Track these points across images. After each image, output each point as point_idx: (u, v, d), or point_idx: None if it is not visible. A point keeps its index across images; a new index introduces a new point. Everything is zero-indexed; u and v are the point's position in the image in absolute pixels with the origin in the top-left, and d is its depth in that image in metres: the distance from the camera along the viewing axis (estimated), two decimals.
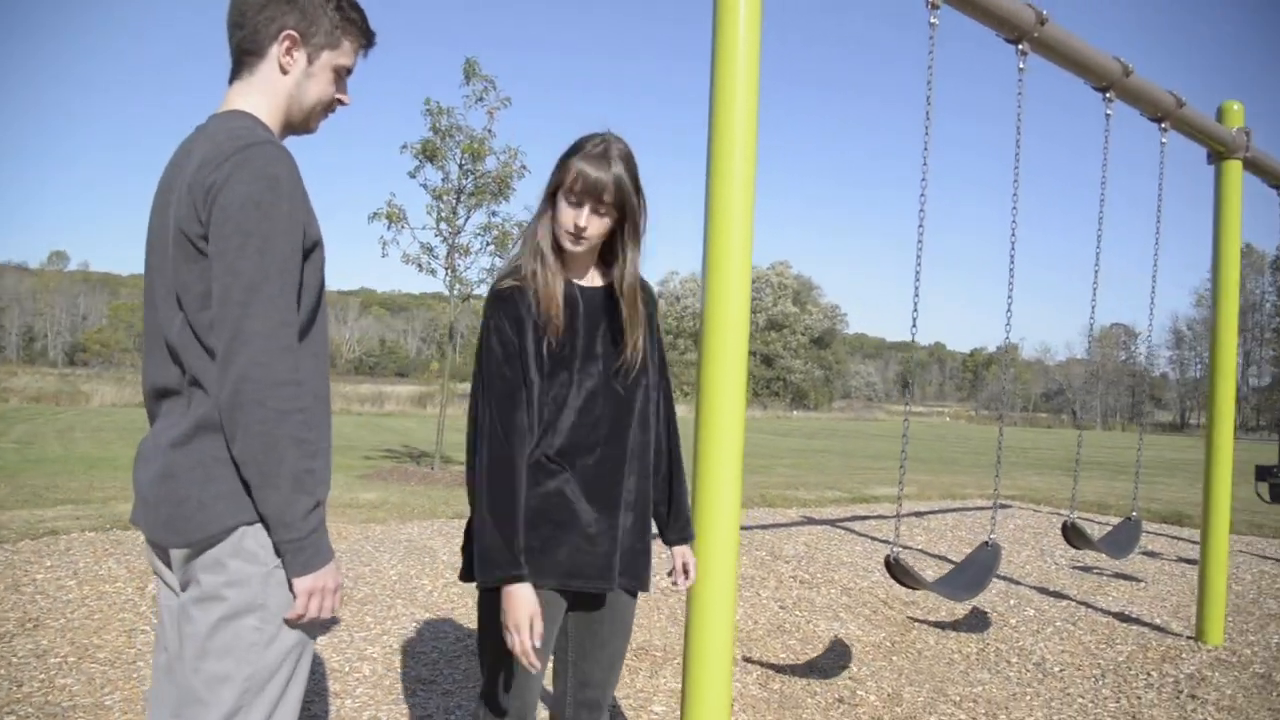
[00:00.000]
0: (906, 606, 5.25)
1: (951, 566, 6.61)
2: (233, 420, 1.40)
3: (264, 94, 1.58)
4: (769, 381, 69.52)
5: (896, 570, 3.32)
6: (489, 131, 9.96)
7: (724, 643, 2.44)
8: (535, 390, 1.85)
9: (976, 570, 3.67)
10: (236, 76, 1.59)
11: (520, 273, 1.89)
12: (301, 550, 1.44)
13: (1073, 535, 4.41)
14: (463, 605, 4.68)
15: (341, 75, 1.65)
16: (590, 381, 1.89)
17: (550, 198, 1.88)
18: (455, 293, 10.48)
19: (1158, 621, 5.17)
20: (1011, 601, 5.49)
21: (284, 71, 1.58)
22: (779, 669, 4.04)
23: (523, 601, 1.75)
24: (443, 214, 10.20)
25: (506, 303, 1.86)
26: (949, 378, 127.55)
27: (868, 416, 70.28)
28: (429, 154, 9.90)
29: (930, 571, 6.42)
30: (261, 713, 1.45)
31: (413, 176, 10.08)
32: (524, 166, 10.01)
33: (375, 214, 10.05)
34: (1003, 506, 10.70)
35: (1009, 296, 3.60)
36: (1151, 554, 7.52)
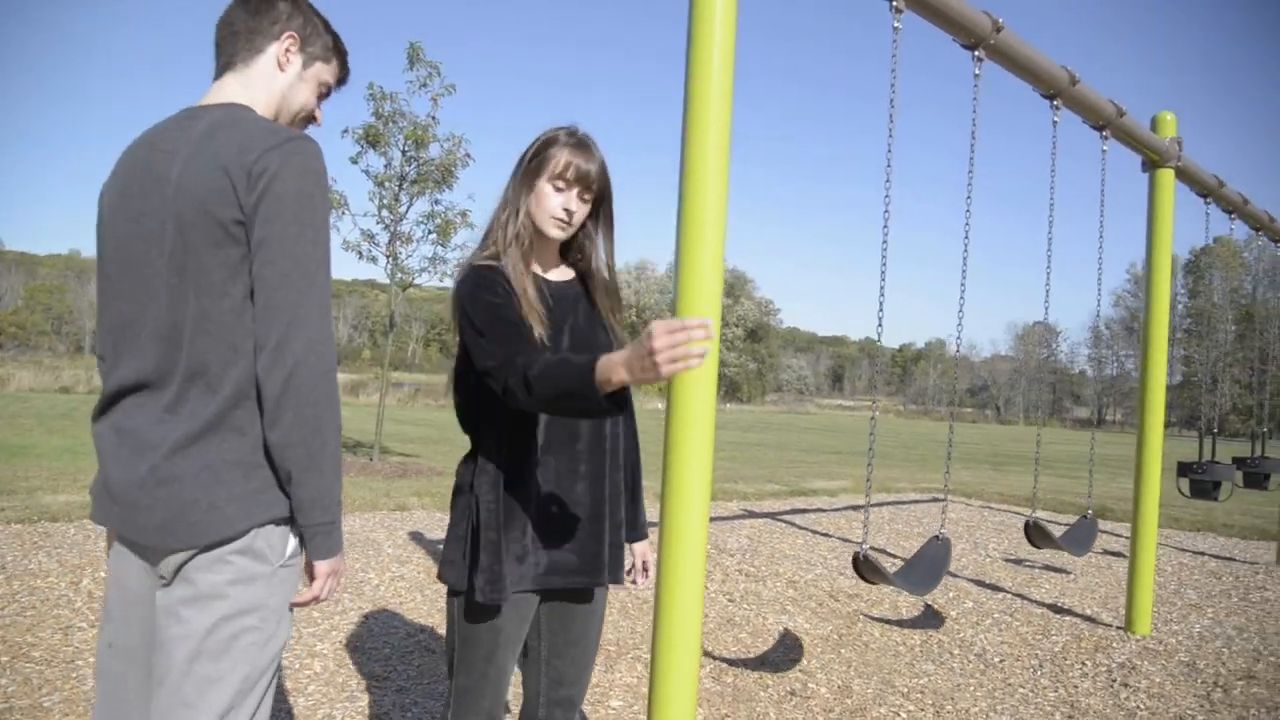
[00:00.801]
0: (851, 600, 5.35)
1: (893, 560, 6.77)
2: (281, 405, 1.40)
3: (259, 89, 1.60)
4: None
5: (865, 568, 3.38)
6: (433, 118, 9.82)
7: (692, 638, 2.45)
8: None
9: (930, 564, 3.75)
10: (230, 68, 1.60)
11: (493, 260, 1.87)
12: (330, 533, 1.48)
13: (1035, 534, 4.55)
14: (410, 600, 4.62)
15: (324, 93, 1.71)
16: None
17: (527, 187, 1.87)
18: (396, 281, 10.31)
19: (1088, 612, 5.36)
20: (950, 594, 5.63)
21: (280, 69, 1.62)
22: (731, 662, 4.08)
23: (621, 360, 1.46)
24: (385, 201, 10.02)
25: (493, 273, 1.83)
26: (878, 372, 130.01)
27: (799, 410, 71.34)
28: (371, 139, 9.70)
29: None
30: (248, 713, 1.42)
31: (354, 162, 9.87)
32: (468, 155, 9.88)
33: None
34: (935, 500, 10.97)
35: (961, 299, 3.68)
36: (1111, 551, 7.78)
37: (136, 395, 1.48)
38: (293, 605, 1.51)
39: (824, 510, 9.46)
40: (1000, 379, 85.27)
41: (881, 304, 3.03)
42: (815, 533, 7.86)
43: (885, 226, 2.89)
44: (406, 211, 10.18)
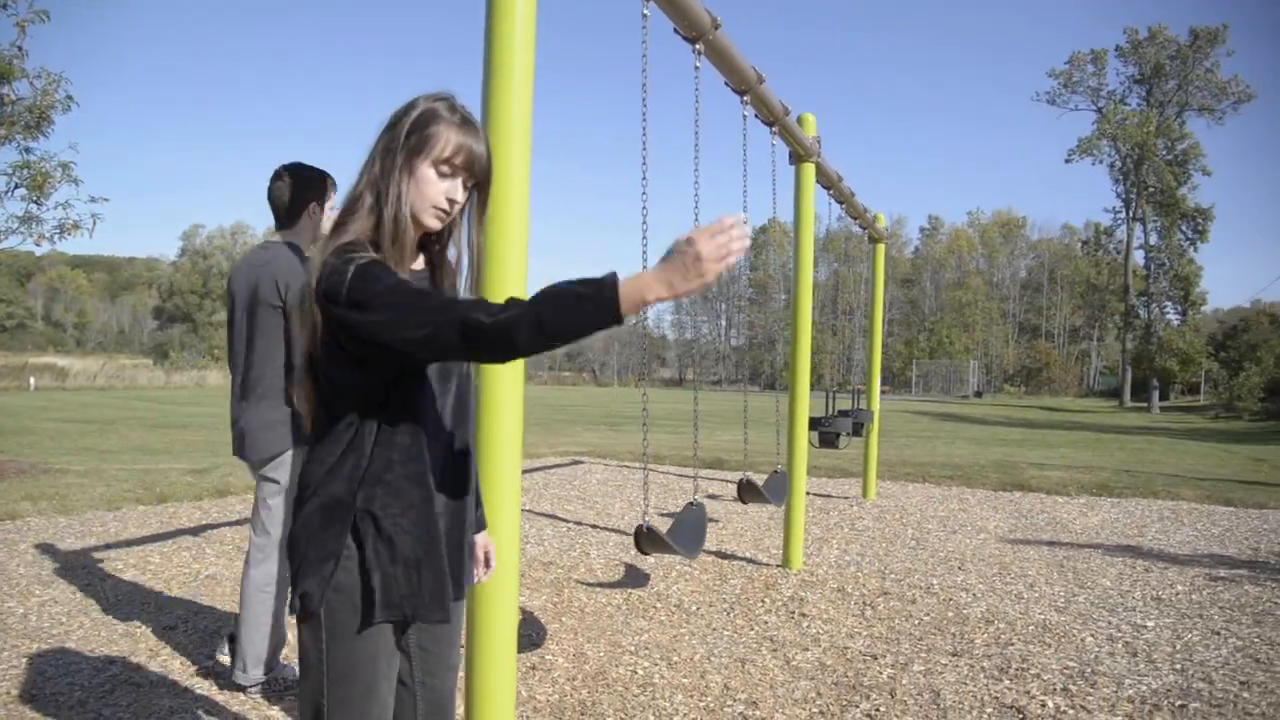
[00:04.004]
0: (548, 568, 5.49)
1: (568, 526, 7.03)
2: None
3: (304, 235, 3.32)
4: None
5: (645, 540, 3.52)
6: (19, 49, 8.02)
7: (510, 622, 2.41)
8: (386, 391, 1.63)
9: (692, 528, 4.01)
10: (282, 227, 3.32)
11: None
12: None
13: (746, 491, 5.06)
14: (78, 627, 3.92)
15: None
16: (437, 380, 1.70)
17: (407, 170, 1.63)
18: None
19: (749, 555, 6.03)
20: (631, 552, 6.00)
21: (310, 219, 3.31)
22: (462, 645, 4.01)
23: (654, 279, 1.40)
24: None
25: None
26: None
27: None
28: None
29: (550, 530, 6.76)
30: None
31: None
32: (70, 97, 8.25)
33: None
34: (576, 462, 11.53)
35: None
36: (713, 496, 8.68)
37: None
38: None
39: None
40: (595, 344, 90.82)
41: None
42: None
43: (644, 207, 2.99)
44: None
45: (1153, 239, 44.87)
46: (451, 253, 1.80)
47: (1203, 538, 6.99)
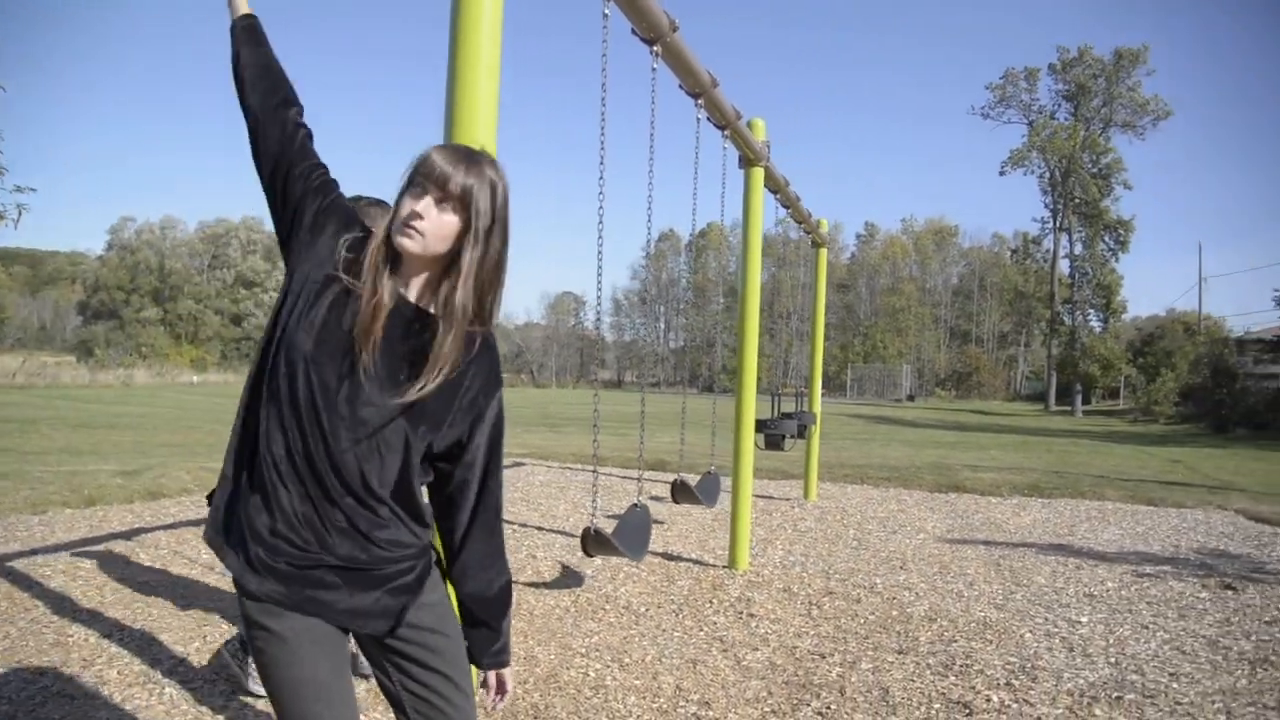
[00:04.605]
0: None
1: (513, 528, 6.99)
2: None
3: None
4: (238, 342, 65.04)
5: (592, 542, 3.51)
6: None
7: None
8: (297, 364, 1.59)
9: (637, 530, 4.00)
10: None
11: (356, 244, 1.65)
12: None
13: (680, 492, 5.08)
14: (4, 636, 3.75)
15: None
16: (336, 396, 1.57)
17: (398, 201, 1.63)
18: None
19: (695, 556, 6.06)
20: (578, 554, 5.99)
21: None
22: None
23: None
24: None
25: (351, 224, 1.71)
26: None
27: None
28: None
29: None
30: None
31: None
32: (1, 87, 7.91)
33: None
34: (518, 464, 11.46)
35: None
36: (656, 498, 8.70)
37: None
38: None
39: None
40: (534, 345, 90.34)
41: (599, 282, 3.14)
42: None
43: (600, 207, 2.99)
44: None
45: (1078, 249, 46.35)
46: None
47: (1128, 536, 7.26)
